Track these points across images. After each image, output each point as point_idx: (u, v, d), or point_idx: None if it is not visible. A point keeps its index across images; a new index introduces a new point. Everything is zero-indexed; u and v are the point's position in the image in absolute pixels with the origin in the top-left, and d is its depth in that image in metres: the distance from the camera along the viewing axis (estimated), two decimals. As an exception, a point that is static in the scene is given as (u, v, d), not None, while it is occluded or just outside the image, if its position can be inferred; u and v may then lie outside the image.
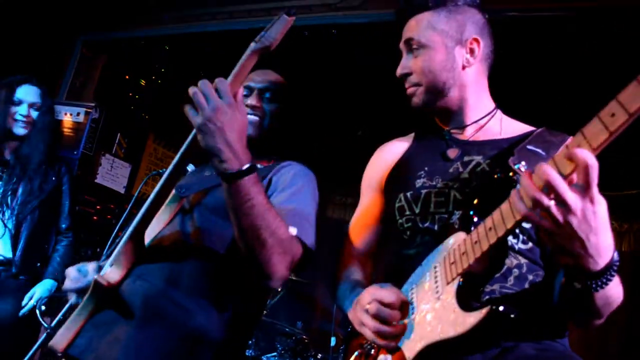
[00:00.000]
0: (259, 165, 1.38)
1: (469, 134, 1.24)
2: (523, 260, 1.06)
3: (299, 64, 3.56)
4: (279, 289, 3.81)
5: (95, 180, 3.93)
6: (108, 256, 1.33)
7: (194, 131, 1.09)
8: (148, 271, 1.24)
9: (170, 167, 1.17)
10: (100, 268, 1.23)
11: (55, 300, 2.22)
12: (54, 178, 2.37)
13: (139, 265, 1.25)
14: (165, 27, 3.89)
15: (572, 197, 0.74)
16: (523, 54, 3.08)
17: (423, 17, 1.24)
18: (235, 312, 1.27)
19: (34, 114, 2.36)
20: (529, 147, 1.08)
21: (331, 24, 3.36)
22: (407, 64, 1.26)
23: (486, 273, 0.96)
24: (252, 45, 1.14)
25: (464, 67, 1.22)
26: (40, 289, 2.29)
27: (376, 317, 1.01)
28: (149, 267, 1.25)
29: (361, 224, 1.37)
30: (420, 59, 1.23)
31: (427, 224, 1.15)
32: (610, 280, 0.84)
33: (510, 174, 0.99)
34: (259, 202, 1.09)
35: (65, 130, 3.63)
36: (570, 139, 1.10)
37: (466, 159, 1.18)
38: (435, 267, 1.02)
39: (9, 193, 2.25)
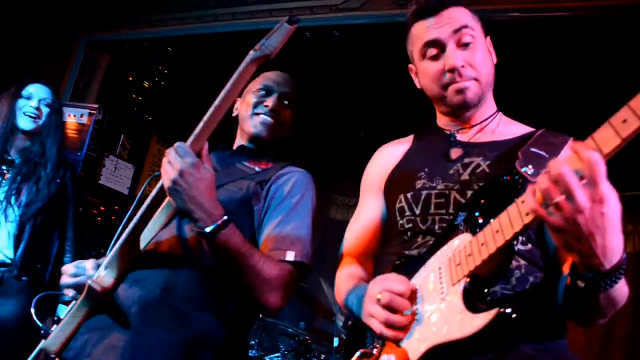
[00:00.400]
0: (258, 169, 1.39)
1: (471, 135, 1.24)
2: (522, 262, 1.06)
3: (300, 65, 3.56)
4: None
5: (100, 182, 3.93)
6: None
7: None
8: (144, 277, 1.24)
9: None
10: (98, 266, 1.23)
11: (53, 298, 2.20)
12: (58, 180, 2.36)
13: (134, 270, 1.24)
14: (168, 29, 3.91)
15: (581, 195, 0.73)
16: (523, 54, 3.07)
17: (463, 9, 1.22)
18: (233, 314, 1.27)
19: (45, 110, 2.37)
20: (533, 149, 1.08)
21: (333, 25, 3.36)
22: (461, 56, 1.17)
23: (492, 275, 0.96)
24: (252, 53, 1.15)
25: None
26: None
27: (387, 307, 1.00)
28: (145, 272, 1.25)
29: (361, 225, 1.37)
30: (477, 51, 1.19)
31: (428, 225, 1.15)
32: (617, 282, 0.83)
33: (517, 177, 0.99)
34: (238, 252, 1.14)
35: (69, 131, 3.64)
36: (571, 140, 1.10)
37: (467, 160, 1.18)
38: (440, 269, 1.01)
39: (13, 193, 2.22)
